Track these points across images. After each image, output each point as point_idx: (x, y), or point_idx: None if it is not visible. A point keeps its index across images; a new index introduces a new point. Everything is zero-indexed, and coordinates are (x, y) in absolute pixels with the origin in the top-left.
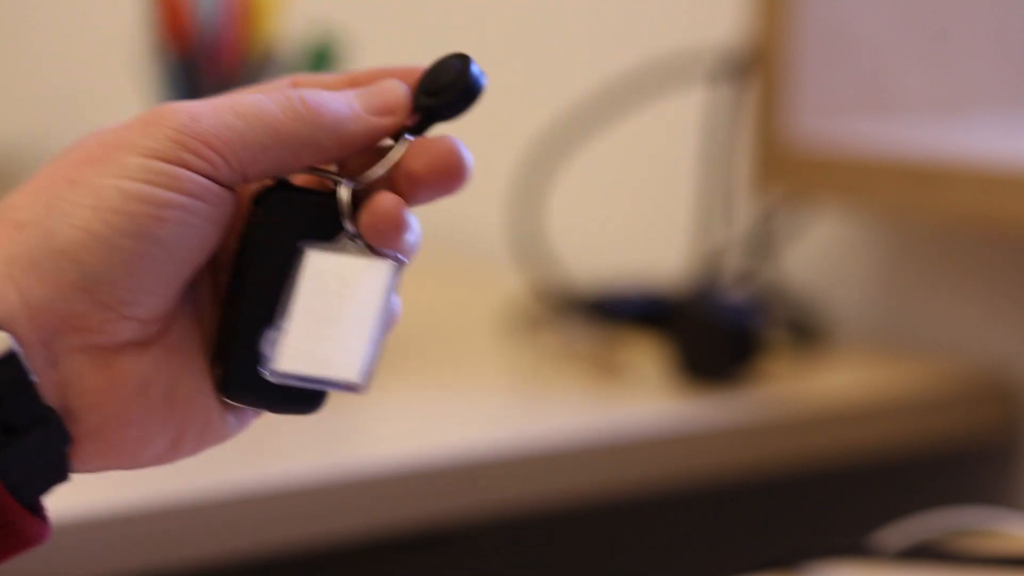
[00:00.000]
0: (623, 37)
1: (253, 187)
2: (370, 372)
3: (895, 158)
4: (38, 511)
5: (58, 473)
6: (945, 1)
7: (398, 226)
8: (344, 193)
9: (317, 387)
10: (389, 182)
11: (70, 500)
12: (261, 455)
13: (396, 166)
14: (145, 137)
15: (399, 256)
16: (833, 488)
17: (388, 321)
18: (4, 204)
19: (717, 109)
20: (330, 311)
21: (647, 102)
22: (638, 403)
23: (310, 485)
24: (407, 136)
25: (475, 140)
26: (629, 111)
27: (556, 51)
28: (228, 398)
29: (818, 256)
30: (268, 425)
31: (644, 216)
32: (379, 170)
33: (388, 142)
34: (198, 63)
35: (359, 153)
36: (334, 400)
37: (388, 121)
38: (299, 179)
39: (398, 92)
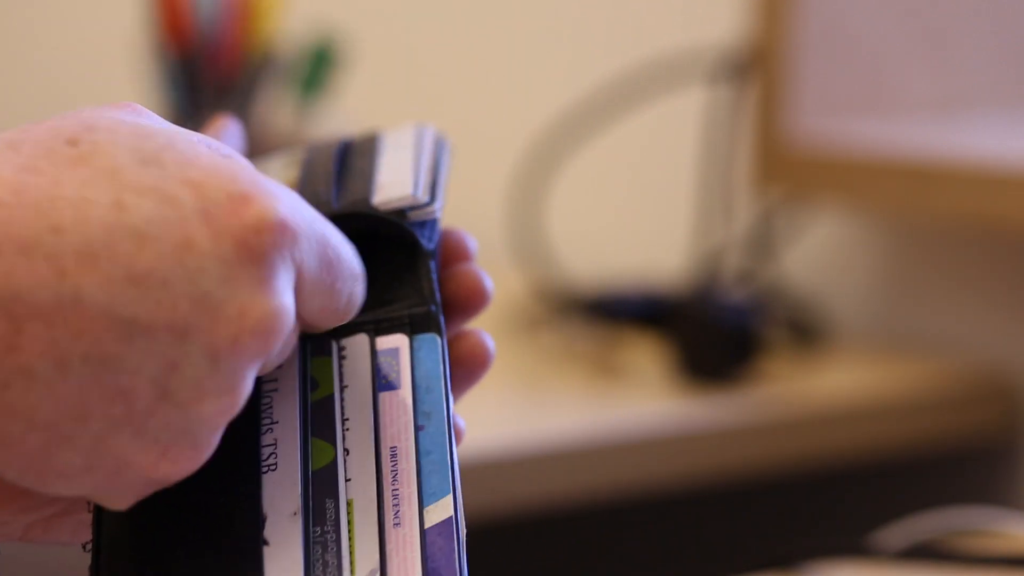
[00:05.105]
0: (623, 37)
1: None
2: None
3: (895, 158)
4: None
5: None
6: (945, 1)
7: None
8: None
9: None
10: None
11: None
12: None
13: None
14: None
15: None
16: (833, 488)
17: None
18: None
19: (717, 109)
20: None
21: (647, 102)
22: (638, 403)
23: None
24: None
25: (476, 140)
26: (629, 111)
27: (556, 51)
28: None
29: (818, 256)
30: None
31: (644, 216)
32: None
33: None
34: (198, 63)
35: None
36: None
37: None
38: None
39: None
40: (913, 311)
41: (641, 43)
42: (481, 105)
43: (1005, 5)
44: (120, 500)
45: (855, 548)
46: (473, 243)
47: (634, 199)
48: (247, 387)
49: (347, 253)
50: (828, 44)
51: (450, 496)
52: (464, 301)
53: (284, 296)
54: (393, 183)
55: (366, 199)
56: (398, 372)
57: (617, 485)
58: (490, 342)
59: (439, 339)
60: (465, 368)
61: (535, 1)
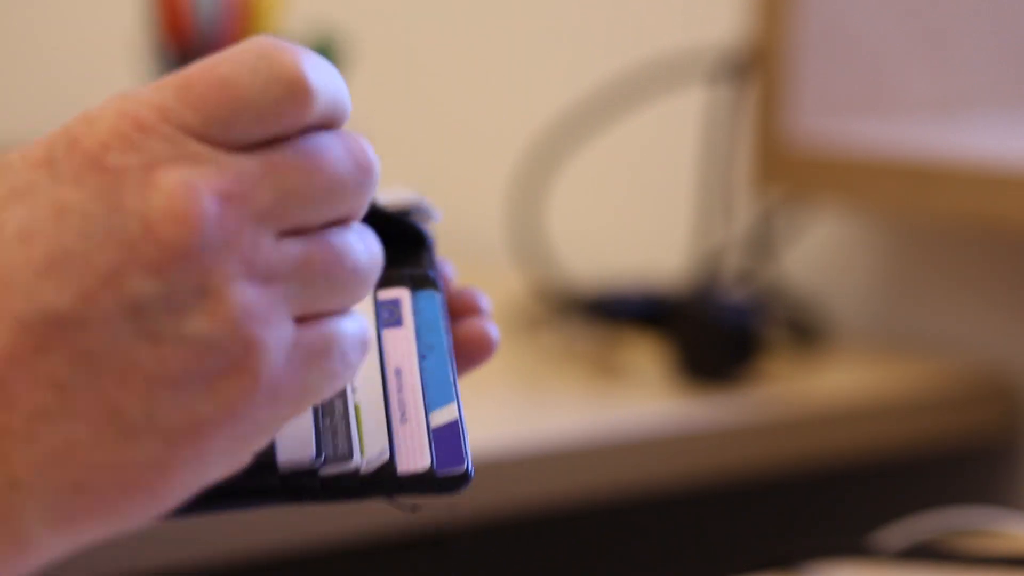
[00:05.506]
0: (623, 37)
1: None
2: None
3: (895, 158)
4: None
5: None
6: (945, 1)
7: None
8: None
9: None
10: None
11: None
12: None
13: None
14: None
15: None
16: (833, 488)
17: None
18: None
19: (717, 109)
20: None
21: (647, 102)
22: (638, 403)
23: None
24: None
25: (476, 140)
26: (629, 111)
27: (557, 51)
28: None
29: (818, 256)
30: None
31: (644, 216)
32: None
33: None
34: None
35: None
36: None
37: None
38: None
39: None
40: (913, 311)
41: (641, 43)
42: (481, 105)
43: (1005, 5)
44: (245, 442)
45: (855, 548)
46: (485, 300)
47: (634, 199)
48: (224, 268)
49: (235, 66)
50: (828, 44)
51: (454, 404)
52: (470, 352)
53: (175, 174)
54: (394, 194)
55: (373, 200)
56: (400, 316)
57: (617, 485)
58: (494, 330)
59: (438, 295)
60: (467, 351)
61: (535, 1)
